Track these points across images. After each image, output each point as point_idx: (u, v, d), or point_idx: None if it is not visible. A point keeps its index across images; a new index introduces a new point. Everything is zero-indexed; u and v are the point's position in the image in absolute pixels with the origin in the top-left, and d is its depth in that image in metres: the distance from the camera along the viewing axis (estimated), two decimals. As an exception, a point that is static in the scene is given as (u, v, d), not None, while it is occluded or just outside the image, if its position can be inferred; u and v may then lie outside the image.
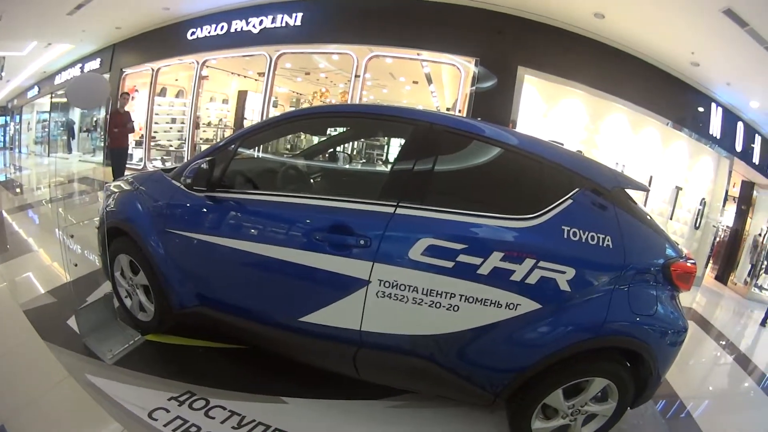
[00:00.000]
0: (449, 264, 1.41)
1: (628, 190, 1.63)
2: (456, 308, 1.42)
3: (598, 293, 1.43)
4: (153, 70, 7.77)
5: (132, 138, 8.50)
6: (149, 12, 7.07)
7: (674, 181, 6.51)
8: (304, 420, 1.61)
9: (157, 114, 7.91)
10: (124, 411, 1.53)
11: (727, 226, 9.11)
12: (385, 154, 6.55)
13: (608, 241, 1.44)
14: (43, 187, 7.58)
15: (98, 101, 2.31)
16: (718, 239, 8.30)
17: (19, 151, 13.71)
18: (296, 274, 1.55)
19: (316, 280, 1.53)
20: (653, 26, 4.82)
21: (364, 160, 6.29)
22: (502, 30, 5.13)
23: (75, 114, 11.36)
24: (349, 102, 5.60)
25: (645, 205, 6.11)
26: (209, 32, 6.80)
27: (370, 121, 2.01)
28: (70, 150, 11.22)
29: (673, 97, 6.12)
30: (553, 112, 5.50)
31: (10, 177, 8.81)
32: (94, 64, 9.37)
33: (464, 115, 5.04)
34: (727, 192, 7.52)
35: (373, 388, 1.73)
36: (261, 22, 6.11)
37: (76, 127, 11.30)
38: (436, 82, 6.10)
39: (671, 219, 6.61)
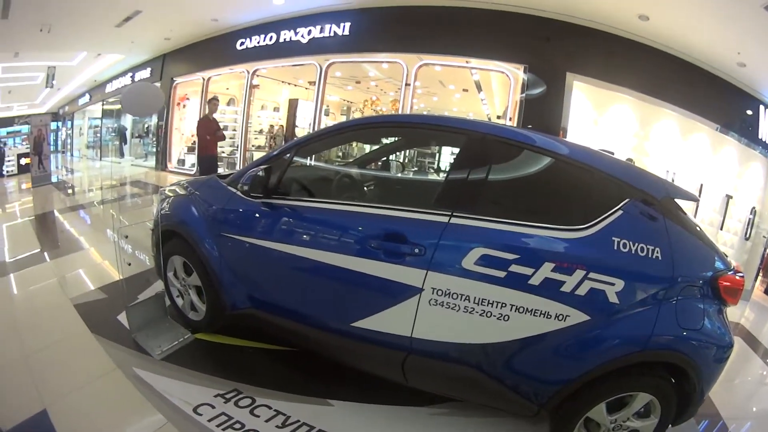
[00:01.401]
0: (501, 274, 1.43)
1: (677, 200, 1.62)
2: (506, 318, 1.43)
3: (646, 306, 1.42)
4: (204, 79, 8.16)
5: (185, 144, 8.99)
6: (198, 23, 7.35)
7: (724, 189, 6.30)
8: (348, 423, 1.62)
9: (208, 121, 8.26)
10: (168, 404, 1.56)
11: (779, 237, 8.68)
12: (436, 162, 6.62)
13: (657, 252, 1.42)
14: (94, 188, 7.96)
15: (152, 109, 2.43)
16: (768, 250, 7.94)
17: (71, 155, 14.58)
18: (350, 280, 1.59)
19: (369, 287, 1.56)
20: (697, 26, 4.73)
21: (416, 168, 6.38)
22: (550, 36, 5.16)
23: (127, 121, 12.01)
24: (400, 110, 5.75)
25: (695, 215, 5.95)
26: (258, 42, 7.08)
27: (424, 131, 2.06)
28: (122, 155, 11.84)
29: (721, 100, 5.95)
30: (603, 118, 5.47)
31: (62, 179, 9.29)
32: (145, 73, 9.81)
33: (515, 122, 5.09)
34: (778, 200, 7.21)
35: (417, 395, 1.74)
36: (309, 32, 6.33)
37: (128, 134, 11.96)
38: (485, 89, 6.16)
39: (721, 229, 6.39)
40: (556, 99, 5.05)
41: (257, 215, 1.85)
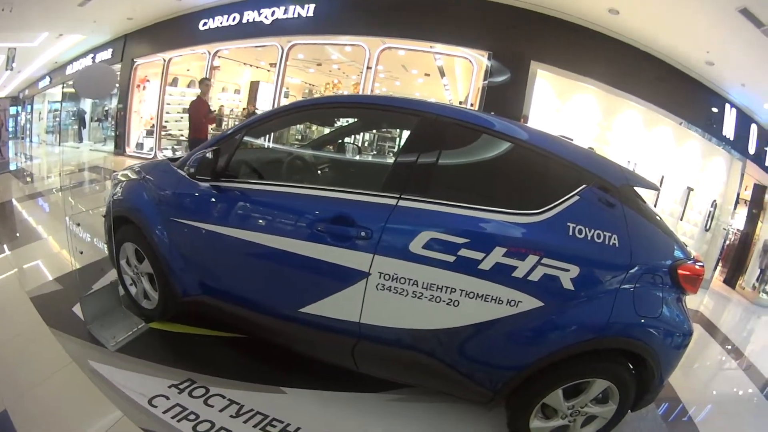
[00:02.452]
0: (450, 258, 1.39)
1: (638, 189, 1.59)
2: (456, 303, 1.40)
3: (603, 293, 1.40)
4: (164, 60, 7.80)
5: (144, 127, 8.61)
6: (161, 2, 7.07)
7: (686, 182, 6.44)
8: (302, 411, 1.61)
9: (168, 104, 7.95)
10: (124, 397, 1.54)
11: (738, 230, 9.00)
12: (397, 147, 6.54)
13: (614, 239, 1.40)
14: (53, 175, 7.65)
15: (106, 91, 2.33)
16: (728, 242, 8.20)
17: (30, 141, 13.86)
18: (297, 265, 1.55)
19: (316, 271, 1.52)
20: (668, 23, 4.76)
21: (375, 152, 6.28)
22: (517, 24, 5.09)
23: (86, 104, 11.46)
24: (360, 93, 5.59)
25: (656, 205, 6.05)
26: (221, 23, 6.81)
27: (375, 111, 1.99)
28: (81, 139, 11.34)
29: (687, 96, 6.05)
30: (565, 107, 5.46)
31: (21, 166, 8.88)
32: (106, 54, 9.41)
33: (476, 108, 5.01)
34: (738, 195, 7.42)
35: (372, 382, 1.72)
36: (273, 13, 6.11)
37: (87, 117, 11.42)
38: (449, 75, 6.07)
39: (681, 220, 6.54)
40: (519, 86, 4.99)
41: (204, 199, 1.79)
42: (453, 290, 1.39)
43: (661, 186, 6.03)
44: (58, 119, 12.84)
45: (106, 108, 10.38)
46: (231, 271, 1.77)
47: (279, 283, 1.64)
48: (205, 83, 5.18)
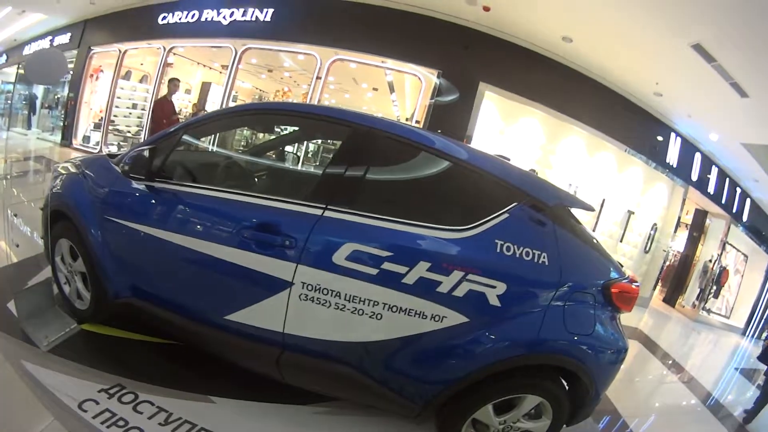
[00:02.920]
0: (373, 271, 1.39)
1: (573, 210, 1.64)
2: (379, 317, 1.40)
3: (531, 310, 1.42)
4: (120, 51, 7.52)
5: (92, 120, 8.24)
6: (124, -11, 6.87)
7: (627, 205, 6.77)
8: (229, 421, 1.61)
9: (119, 98, 7.65)
10: (55, 400, 1.53)
11: (678, 252, 9.55)
12: None
13: (544, 257, 1.42)
14: None
15: (56, 77, 2.26)
16: (667, 263, 8.69)
17: (-21, 123, 13.01)
18: (223, 271, 1.53)
19: (241, 279, 1.51)
20: (620, 54, 4.97)
21: (317, 163, 6.27)
22: (469, 44, 5.21)
23: (38, 89, 10.88)
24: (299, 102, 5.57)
25: (595, 227, 6.33)
26: (180, 19, 6.64)
27: (309, 120, 1.98)
28: (29, 126, 10.74)
29: (634, 125, 6.35)
30: (510, 129, 5.63)
31: None
32: (64, 38, 9.01)
33: (421, 126, 5.09)
34: (679, 218, 7.88)
35: (301, 393, 1.73)
36: (232, 14, 6.02)
37: (38, 103, 10.83)
38: (398, 91, 6.15)
39: (621, 241, 6.87)
40: (466, 106, 5.12)
41: (136, 198, 1.77)
42: (376, 303, 1.39)
43: (601, 209, 6.34)
44: (9, 102, 12.11)
45: (57, 96, 9.90)
46: (160, 275, 1.75)
47: (206, 288, 1.62)
48: (173, 83, 5.04)
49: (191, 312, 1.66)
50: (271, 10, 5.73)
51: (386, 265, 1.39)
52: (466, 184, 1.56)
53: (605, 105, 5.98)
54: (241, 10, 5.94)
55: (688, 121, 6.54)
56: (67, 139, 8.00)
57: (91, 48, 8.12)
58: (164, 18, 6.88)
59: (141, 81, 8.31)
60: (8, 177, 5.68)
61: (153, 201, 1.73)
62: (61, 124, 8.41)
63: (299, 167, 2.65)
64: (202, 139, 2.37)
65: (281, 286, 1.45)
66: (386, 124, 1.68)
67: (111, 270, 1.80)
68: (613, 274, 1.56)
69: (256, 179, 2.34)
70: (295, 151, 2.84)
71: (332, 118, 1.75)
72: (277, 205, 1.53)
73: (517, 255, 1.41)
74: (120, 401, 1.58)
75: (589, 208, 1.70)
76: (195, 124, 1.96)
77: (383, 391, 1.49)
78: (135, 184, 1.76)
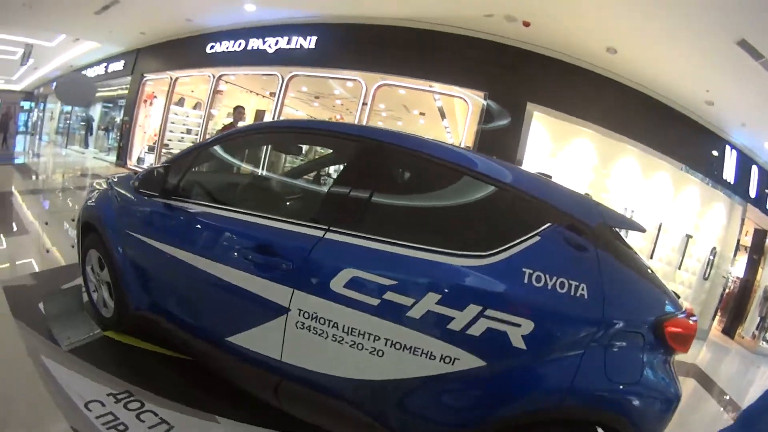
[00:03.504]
0: (374, 301, 1.24)
1: (622, 232, 1.43)
2: (381, 353, 1.24)
3: (565, 354, 1.18)
4: (171, 78, 7.96)
5: (147, 143, 8.72)
6: (172, 21, 7.28)
7: (684, 229, 6.32)
8: None
9: (172, 122, 8.09)
10: (64, 396, 1.60)
11: (737, 277, 8.77)
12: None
13: (583, 289, 1.18)
14: (56, 176, 7.89)
15: (85, 100, 2.46)
16: (727, 291, 7.99)
17: (40, 138, 14.18)
18: (224, 291, 1.49)
19: (241, 300, 1.45)
20: (666, 61, 4.72)
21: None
22: (514, 64, 5.10)
23: (96, 111, 11.71)
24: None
25: (653, 254, 5.93)
26: (227, 48, 6.96)
27: (319, 137, 1.93)
28: (86, 145, 11.55)
29: (688, 139, 5.99)
30: (562, 152, 5.42)
31: (26, 161, 9.17)
32: (118, 65, 9.69)
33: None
34: (738, 241, 7.28)
35: (312, 425, 1.64)
36: (277, 42, 6.23)
37: (95, 125, 11.65)
38: (449, 116, 6.08)
39: (680, 268, 6.40)
40: (514, 128, 4.97)
41: (149, 214, 1.84)
42: (377, 338, 1.23)
43: (659, 234, 5.94)
44: (68, 122, 13.13)
45: (116, 118, 10.59)
46: (168, 290, 1.77)
47: (210, 307, 1.61)
48: (239, 111, 5.18)
49: (197, 330, 1.64)
50: (314, 38, 5.88)
51: (389, 296, 1.23)
52: (490, 203, 1.36)
53: (657, 119, 5.67)
54: (286, 38, 6.14)
55: (742, 131, 6.10)
56: (122, 160, 8.52)
57: (144, 75, 8.66)
58: (212, 47, 7.23)
59: (194, 107, 8.75)
60: (68, 190, 6.12)
61: (164, 217, 1.76)
62: (116, 145, 8.96)
63: (314, 186, 2.53)
64: (218, 158, 2.39)
65: (278, 311, 1.36)
66: (396, 137, 1.55)
67: (131, 282, 1.85)
68: (668, 308, 1.31)
69: (266, 200, 2.26)
70: (320, 174, 2.77)
71: (340, 134, 1.68)
72: (279, 225, 1.45)
73: (549, 287, 1.18)
74: (125, 407, 1.60)
75: (640, 229, 1.46)
76: (205, 146, 1.98)
77: None
78: (147, 200, 1.83)
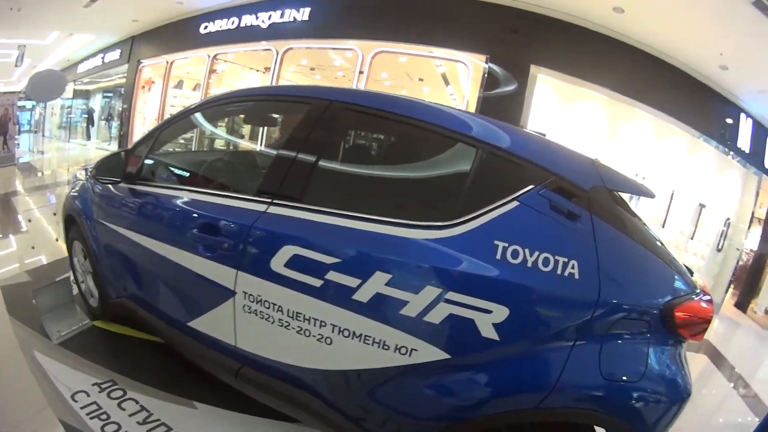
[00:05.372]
0: (316, 282, 1.09)
1: (624, 196, 1.16)
2: (329, 341, 1.10)
3: (548, 345, 0.97)
4: (167, 62, 7.89)
5: (146, 128, 8.67)
6: (163, 5, 7.18)
7: (698, 198, 6.09)
8: (207, 429, 1.59)
9: (171, 106, 8.02)
10: (53, 388, 1.63)
11: (751, 250, 8.50)
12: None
13: (573, 267, 0.96)
14: (60, 171, 7.98)
15: (55, 95, 2.46)
16: (741, 263, 7.74)
17: (43, 135, 14.36)
18: (177, 274, 1.42)
19: (192, 283, 1.37)
20: (677, 21, 4.43)
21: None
22: (516, 26, 4.88)
23: (95, 102, 11.74)
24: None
25: (665, 223, 5.72)
26: (221, 26, 6.85)
27: (270, 104, 1.80)
28: (89, 137, 11.61)
29: (701, 106, 5.73)
30: (568, 115, 5.22)
31: (29, 160, 9.26)
32: (114, 54, 9.69)
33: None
34: (753, 213, 7.01)
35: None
36: (270, 17, 6.10)
37: (95, 116, 11.69)
38: (453, 83, 5.91)
39: (692, 239, 6.18)
40: (518, 92, 4.78)
41: (110, 199, 1.81)
42: (323, 324, 1.09)
43: (671, 203, 5.72)
44: (70, 116, 13.22)
45: (116, 108, 10.59)
46: (138, 277, 1.71)
47: (170, 292, 1.57)
48: None
49: (165, 316, 1.59)
50: (307, 9, 5.72)
51: (332, 275, 1.06)
52: (453, 162, 1.16)
53: (668, 84, 5.40)
54: (279, 12, 6.00)
55: (759, 98, 5.78)
56: (124, 147, 8.50)
57: (140, 61, 8.60)
58: (206, 27, 7.12)
59: (194, 89, 8.66)
60: (69, 184, 6.12)
61: (121, 201, 1.72)
62: (118, 134, 8.95)
63: (266, 157, 2.30)
64: (173, 140, 2.28)
65: (225, 294, 1.25)
66: (348, 94, 1.40)
67: (106, 270, 1.83)
68: (680, 289, 1.06)
69: (223, 175, 2.12)
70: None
71: (290, 97, 1.56)
72: (226, 202, 1.33)
73: (529, 263, 0.96)
74: (109, 396, 1.63)
75: (649, 194, 1.17)
76: (163, 127, 1.91)
77: (347, 425, 1.17)
78: (113, 187, 1.79)
